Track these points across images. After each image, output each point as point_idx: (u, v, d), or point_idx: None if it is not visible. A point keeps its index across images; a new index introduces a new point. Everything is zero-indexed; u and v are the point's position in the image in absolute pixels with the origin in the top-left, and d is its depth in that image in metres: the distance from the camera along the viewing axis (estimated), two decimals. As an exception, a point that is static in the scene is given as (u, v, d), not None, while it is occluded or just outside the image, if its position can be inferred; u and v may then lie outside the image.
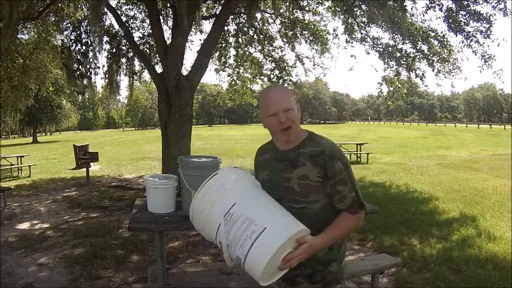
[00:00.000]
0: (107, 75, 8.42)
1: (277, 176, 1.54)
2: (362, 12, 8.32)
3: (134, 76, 9.36)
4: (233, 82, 10.62)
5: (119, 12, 8.03)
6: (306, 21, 9.44)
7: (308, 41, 9.69)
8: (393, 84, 9.47)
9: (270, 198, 1.48)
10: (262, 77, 10.41)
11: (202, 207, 1.44)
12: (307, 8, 9.21)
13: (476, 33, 6.72)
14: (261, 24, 9.62)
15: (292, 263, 1.33)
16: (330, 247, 1.50)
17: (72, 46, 8.07)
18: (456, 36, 6.89)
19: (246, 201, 1.40)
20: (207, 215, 1.42)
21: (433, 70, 8.48)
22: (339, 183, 1.48)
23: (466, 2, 6.46)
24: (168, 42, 6.63)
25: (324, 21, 9.80)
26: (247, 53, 10.07)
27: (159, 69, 7.29)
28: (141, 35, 8.96)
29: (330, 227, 1.49)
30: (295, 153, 1.52)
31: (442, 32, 8.02)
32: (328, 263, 1.50)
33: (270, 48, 9.97)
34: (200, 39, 10.12)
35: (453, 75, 8.50)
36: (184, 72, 6.71)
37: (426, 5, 6.85)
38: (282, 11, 9.22)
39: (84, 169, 9.86)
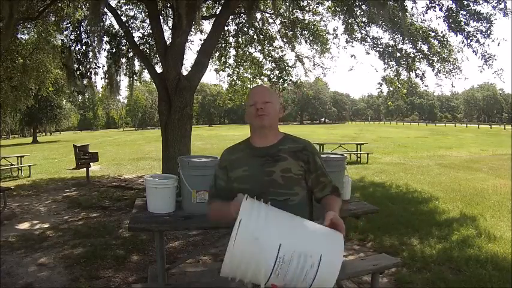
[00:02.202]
0: (107, 75, 8.42)
1: (258, 171, 1.61)
2: (362, 12, 8.32)
3: (134, 76, 9.35)
4: (233, 82, 10.61)
5: (119, 12, 8.03)
6: (306, 21, 9.44)
7: (308, 41, 9.69)
8: (393, 84, 9.47)
9: (290, 216, 1.43)
10: (262, 77, 10.40)
11: (245, 265, 1.29)
12: (307, 8, 9.21)
13: (477, 33, 6.72)
14: (261, 24, 9.62)
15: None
16: None
17: (72, 46, 8.07)
18: (456, 36, 6.89)
19: (288, 237, 1.32)
20: (255, 268, 1.29)
21: (433, 70, 8.48)
22: (321, 175, 1.67)
23: (466, 2, 6.45)
24: (168, 42, 6.62)
25: (324, 21, 9.80)
26: (247, 53, 10.07)
27: (159, 69, 7.29)
28: (141, 35, 8.96)
29: (332, 203, 1.59)
30: (275, 149, 1.65)
31: (442, 32, 8.03)
32: None
33: (270, 48, 9.97)
34: (200, 39, 10.15)
35: (453, 75, 8.51)
36: (184, 72, 6.71)
37: (426, 5, 6.85)
38: (282, 11, 9.22)
39: (84, 169, 9.86)
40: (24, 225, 5.52)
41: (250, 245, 1.28)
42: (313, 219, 1.66)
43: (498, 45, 6.80)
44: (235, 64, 10.33)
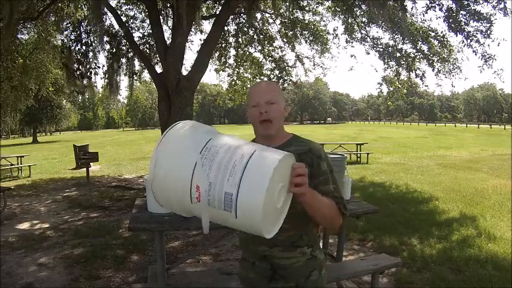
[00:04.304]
0: (107, 75, 8.43)
1: None
2: (362, 12, 8.33)
3: (134, 76, 9.37)
4: (233, 82, 10.62)
5: (119, 12, 8.03)
6: (306, 21, 9.45)
7: (308, 41, 9.70)
8: (393, 84, 9.47)
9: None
10: (262, 77, 10.40)
11: (167, 160, 1.12)
12: (307, 8, 9.22)
13: (477, 33, 6.73)
14: (261, 24, 9.63)
15: (302, 176, 1.19)
16: (312, 254, 1.46)
17: (72, 46, 8.08)
18: (456, 36, 6.91)
19: (223, 136, 1.18)
20: (175, 165, 1.10)
21: (433, 70, 8.49)
22: (323, 183, 1.41)
23: (466, 2, 6.46)
24: (168, 42, 6.63)
25: (324, 21, 9.83)
26: (247, 53, 10.08)
27: (159, 69, 7.30)
28: (141, 35, 8.98)
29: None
30: None
31: (442, 32, 8.04)
32: (309, 274, 1.47)
33: (270, 48, 9.98)
34: (200, 39, 10.15)
35: (453, 75, 8.52)
36: (184, 72, 6.72)
37: (426, 5, 6.86)
38: (282, 11, 9.23)
39: (84, 169, 9.86)
40: (24, 225, 5.52)
41: (183, 137, 1.15)
42: (318, 232, 1.52)
43: (498, 45, 6.82)
44: (235, 64, 10.34)
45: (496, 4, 6.27)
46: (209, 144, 1.11)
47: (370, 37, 8.88)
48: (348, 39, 9.07)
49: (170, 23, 7.82)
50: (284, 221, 1.38)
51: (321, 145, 1.54)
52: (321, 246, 2.94)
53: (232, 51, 10.15)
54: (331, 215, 1.39)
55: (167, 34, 7.70)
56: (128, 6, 8.99)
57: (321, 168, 1.43)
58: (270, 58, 10.09)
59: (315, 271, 1.48)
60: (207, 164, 1.06)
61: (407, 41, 8.24)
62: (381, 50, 8.82)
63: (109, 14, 7.49)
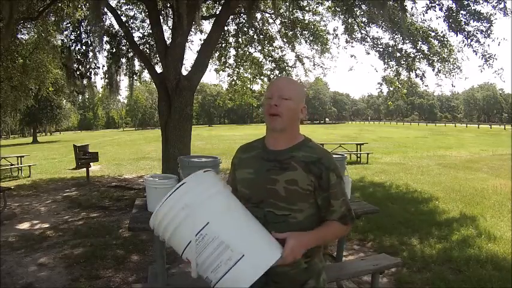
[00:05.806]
0: (107, 75, 8.42)
1: (262, 176, 1.43)
2: (362, 12, 8.32)
3: (134, 76, 9.36)
4: (233, 82, 10.62)
5: (119, 12, 8.03)
6: (306, 21, 9.45)
7: (308, 41, 9.69)
8: (393, 84, 9.47)
9: (243, 212, 1.33)
10: (262, 77, 10.41)
11: (166, 223, 1.24)
12: (307, 8, 9.21)
13: (477, 33, 6.72)
14: (261, 24, 9.62)
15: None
16: (307, 263, 1.43)
17: (72, 46, 8.08)
18: (456, 36, 6.90)
19: (220, 221, 1.23)
20: (173, 231, 1.23)
21: (433, 70, 8.48)
22: (333, 197, 1.40)
23: (466, 2, 6.46)
24: (168, 42, 6.63)
25: (324, 21, 9.82)
26: (247, 53, 10.07)
27: (159, 69, 7.30)
28: (141, 35, 8.97)
29: (320, 228, 1.41)
30: (287, 155, 1.42)
31: (442, 32, 8.03)
32: (304, 282, 1.43)
33: (270, 48, 9.97)
34: (200, 39, 10.14)
35: (453, 75, 8.51)
36: (184, 72, 6.71)
37: (426, 5, 6.85)
38: (282, 11, 9.22)
39: (84, 169, 9.86)
40: (24, 225, 5.52)
41: (184, 209, 1.22)
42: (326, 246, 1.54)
43: (498, 44, 6.81)
44: (235, 64, 10.33)
45: (496, 4, 6.27)
46: (204, 231, 1.20)
47: (370, 37, 8.88)
48: (348, 39, 9.06)
49: (170, 23, 7.82)
50: (283, 228, 1.36)
51: (330, 153, 1.51)
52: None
53: (232, 51, 10.15)
54: (335, 236, 1.51)
55: (167, 34, 7.70)
56: (128, 6, 8.99)
57: (330, 181, 1.39)
58: (270, 58, 10.08)
59: (310, 280, 1.44)
60: (198, 250, 1.20)
61: (407, 41, 8.23)
62: (381, 50, 8.81)
63: (109, 14, 7.48)
